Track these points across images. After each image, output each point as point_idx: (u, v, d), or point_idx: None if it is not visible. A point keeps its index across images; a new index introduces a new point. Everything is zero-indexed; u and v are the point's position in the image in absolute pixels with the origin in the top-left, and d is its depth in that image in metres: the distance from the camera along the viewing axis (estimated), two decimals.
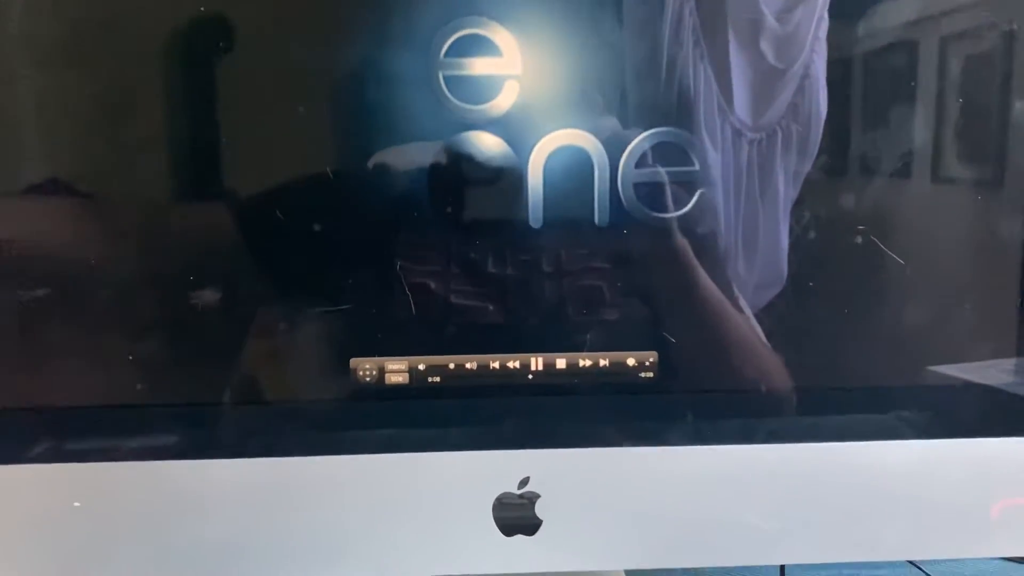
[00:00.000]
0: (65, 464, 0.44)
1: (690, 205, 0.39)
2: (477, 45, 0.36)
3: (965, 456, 0.46)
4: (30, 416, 0.44)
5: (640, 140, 0.37)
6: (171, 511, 0.44)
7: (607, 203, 0.37)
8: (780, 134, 0.45)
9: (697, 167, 0.38)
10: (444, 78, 0.35)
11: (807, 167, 0.45)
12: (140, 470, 0.44)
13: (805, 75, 0.45)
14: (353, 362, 0.43)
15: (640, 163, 0.37)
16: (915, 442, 0.46)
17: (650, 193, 0.38)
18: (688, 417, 0.45)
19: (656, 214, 0.38)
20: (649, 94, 0.40)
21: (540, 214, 0.36)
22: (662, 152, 0.38)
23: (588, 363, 0.43)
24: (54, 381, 0.44)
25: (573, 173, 0.37)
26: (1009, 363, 0.47)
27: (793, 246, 0.45)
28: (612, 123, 0.37)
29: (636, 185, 0.37)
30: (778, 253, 0.45)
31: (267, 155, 0.42)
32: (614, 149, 0.37)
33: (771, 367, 0.46)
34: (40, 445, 0.44)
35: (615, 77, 0.38)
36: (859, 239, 0.46)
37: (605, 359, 0.43)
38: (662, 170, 0.38)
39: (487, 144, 0.37)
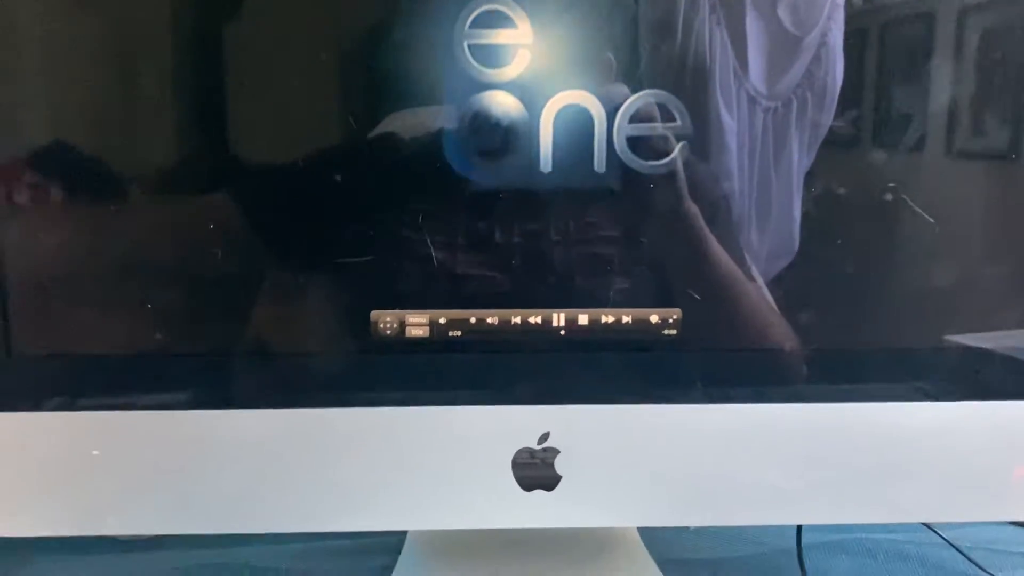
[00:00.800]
0: (84, 412, 0.44)
1: (673, 155, 0.42)
2: (496, 18, 0.40)
3: (985, 419, 0.45)
4: (50, 364, 0.45)
5: (632, 100, 0.41)
6: (190, 460, 0.45)
7: (604, 153, 0.42)
8: (795, 102, 0.45)
9: (679, 123, 0.42)
10: (468, 46, 0.40)
11: (821, 136, 0.45)
12: (159, 419, 0.45)
13: (822, 43, 0.45)
14: (374, 315, 0.43)
15: (632, 119, 0.42)
16: (935, 404, 0.45)
17: (639, 144, 0.42)
18: (708, 376, 0.46)
19: (645, 162, 0.42)
20: (660, 60, 0.43)
21: (550, 161, 0.41)
22: (651, 111, 0.42)
23: (610, 319, 0.42)
24: (75, 329, 0.44)
25: (577, 127, 0.41)
26: None
27: (806, 214, 0.45)
28: (611, 87, 0.41)
29: (628, 138, 0.42)
30: (791, 220, 0.46)
31: (305, 111, 0.44)
32: (611, 108, 0.41)
33: (792, 326, 0.45)
34: (60, 394, 0.44)
35: (617, 46, 0.42)
36: (873, 209, 0.46)
37: (628, 315, 0.42)
38: (649, 125, 0.42)
39: (504, 101, 0.41)
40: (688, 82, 0.43)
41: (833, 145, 0.45)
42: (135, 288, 0.44)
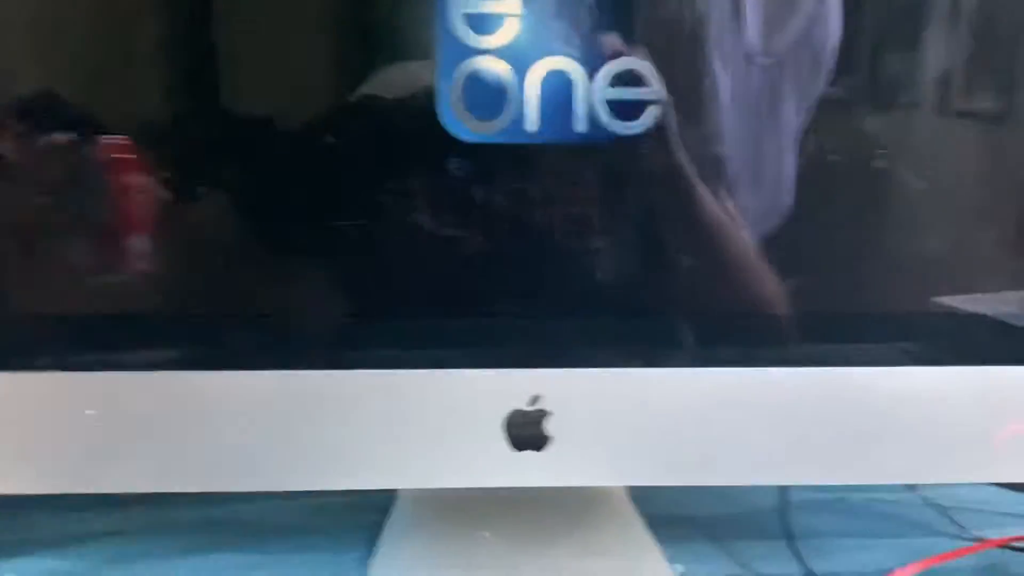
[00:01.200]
0: (79, 372, 0.45)
1: (649, 118, 0.44)
2: None
3: (968, 384, 0.46)
4: (45, 324, 0.45)
5: (609, 67, 0.43)
6: (183, 421, 0.46)
7: (585, 114, 0.43)
8: (791, 60, 0.45)
9: (653, 87, 0.43)
10: (464, 15, 0.42)
11: (817, 94, 0.45)
12: (153, 380, 0.45)
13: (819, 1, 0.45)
14: (367, 278, 0.43)
15: (612, 83, 0.43)
16: (919, 368, 0.47)
17: (617, 107, 0.43)
18: (695, 339, 0.47)
19: (623, 123, 0.44)
20: (654, 20, 0.44)
21: (536, 121, 0.43)
22: (630, 75, 0.43)
23: (604, 282, 0.46)
24: (69, 289, 0.45)
25: (560, 90, 0.43)
26: (1018, 295, 0.47)
27: (800, 172, 0.46)
28: (589, 53, 0.43)
29: (608, 101, 0.43)
30: (783, 179, 0.46)
31: (297, 69, 0.44)
32: (591, 72, 0.43)
33: (779, 289, 0.46)
34: (54, 353, 0.45)
35: (603, 12, 0.43)
36: (867, 168, 0.46)
37: (621, 279, 0.43)
38: (627, 89, 0.43)
39: (494, 65, 0.42)
40: (682, 40, 0.44)
41: (828, 104, 0.45)
42: (127, 247, 0.44)
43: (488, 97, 0.42)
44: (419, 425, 0.46)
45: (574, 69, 0.42)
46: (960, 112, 0.46)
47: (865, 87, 0.45)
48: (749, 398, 0.46)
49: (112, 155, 0.44)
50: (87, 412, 0.44)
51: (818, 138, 0.45)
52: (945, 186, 0.46)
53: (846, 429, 0.47)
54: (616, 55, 0.43)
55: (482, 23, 0.42)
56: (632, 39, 0.43)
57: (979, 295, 0.47)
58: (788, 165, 0.46)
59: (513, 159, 0.44)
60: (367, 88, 0.43)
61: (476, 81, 0.42)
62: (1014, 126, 0.46)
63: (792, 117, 0.45)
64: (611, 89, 0.43)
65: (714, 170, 0.45)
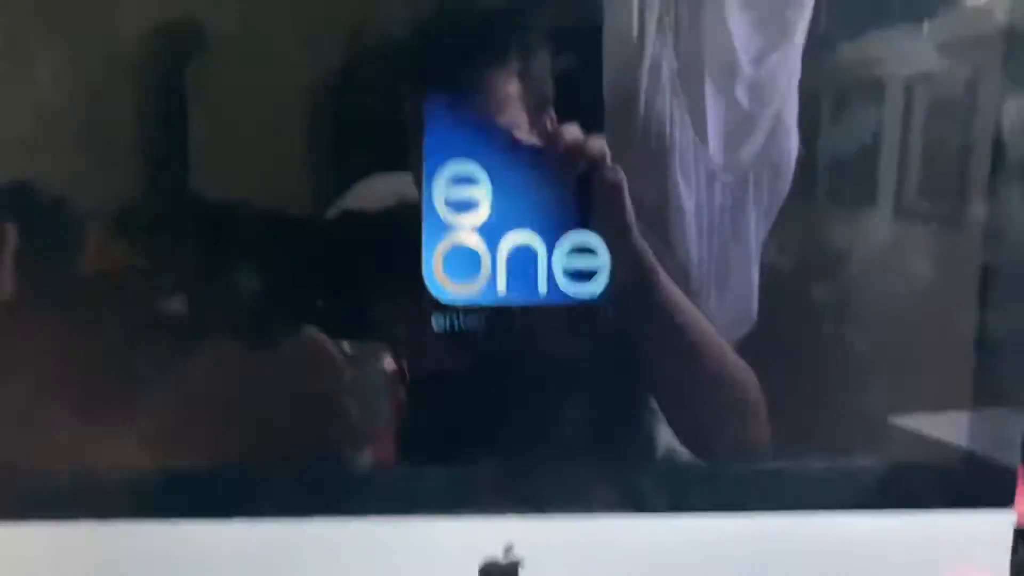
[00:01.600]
0: (51, 522, 0.45)
1: (599, 284, 0.46)
2: (465, 179, 0.45)
3: (920, 527, 0.49)
4: (14, 476, 0.45)
5: (565, 238, 0.46)
6: (157, 571, 0.46)
7: (545, 279, 0.46)
8: (752, 177, 0.47)
9: (603, 257, 0.46)
10: (445, 199, 0.45)
11: (776, 210, 0.47)
12: (122, 530, 0.45)
13: (777, 120, 0.47)
14: (335, 427, 0.46)
15: (568, 253, 0.46)
16: (872, 513, 0.48)
17: (573, 274, 0.46)
18: (664, 486, 0.48)
19: (579, 287, 0.46)
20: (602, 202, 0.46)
21: (505, 284, 0.46)
22: (581, 247, 0.46)
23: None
24: (34, 444, 0.45)
25: (525, 259, 0.46)
26: (967, 416, 0.48)
27: (762, 289, 0.48)
28: (549, 229, 0.46)
29: (564, 269, 0.46)
30: (749, 296, 0.48)
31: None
32: (551, 246, 0.46)
33: (739, 433, 0.48)
34: (20, 504, 0.45)
35: (557, 198, 0.46)
36: (822, 285, 0.48)
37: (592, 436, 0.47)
38: (580, 258, 0.46)
39: (470, 239, 0.45)
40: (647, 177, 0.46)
41: (788, 218, 0.47)
42: (95, 403, 0.45)
43: (465, 265, 0.45)
44: (393, 573, 0.46)
45: (536, 242, 0.46)
46: (914, 226, 0.48)
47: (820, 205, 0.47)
48: (716, 543, 0.47)
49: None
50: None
51: (789, 256, 0.47)
52: (903, 303, 0.48)
53: (810, 572, 0.48)
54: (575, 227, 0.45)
55: (460, 206, 0.45)
56: (589, 213, 0.45)
57: (932, 435, 0.49)
58: (757, 285, 0.48)
59: (487, 318, 0.46)
60: (359, 258, 0.45)
61: (455, 252, 0.45)
62: (970, 239, 0.47)
63: (760, 232, 0.47)
64: (568, 258, 0.46)
65: (669, 328, 0.47)
